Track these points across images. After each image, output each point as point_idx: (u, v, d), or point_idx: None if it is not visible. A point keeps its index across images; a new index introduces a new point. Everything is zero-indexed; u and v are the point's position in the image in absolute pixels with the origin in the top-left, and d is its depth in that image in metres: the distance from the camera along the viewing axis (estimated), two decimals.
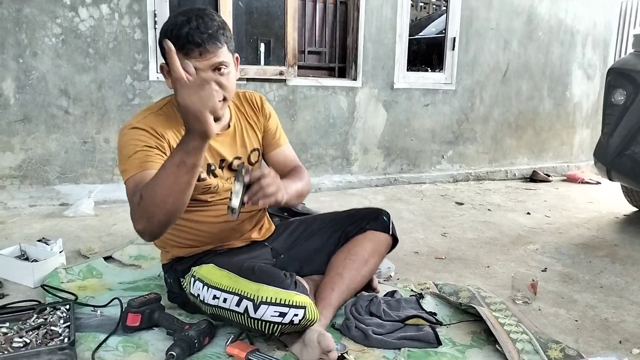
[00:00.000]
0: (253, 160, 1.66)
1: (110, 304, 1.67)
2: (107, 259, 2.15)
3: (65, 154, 3.03)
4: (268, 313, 1.31)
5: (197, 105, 1.14)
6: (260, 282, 1.35)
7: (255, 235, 1.73)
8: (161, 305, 1.56)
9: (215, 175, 1.56)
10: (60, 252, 2.05)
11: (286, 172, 1.68)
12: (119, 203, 3.13)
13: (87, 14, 2.96)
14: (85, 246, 2.30)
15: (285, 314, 1.31)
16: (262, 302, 1.32)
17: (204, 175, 1.52)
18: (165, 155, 1.39)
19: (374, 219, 1.76)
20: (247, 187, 1.31)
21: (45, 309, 1.58)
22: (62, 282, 1.86)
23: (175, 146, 1.30)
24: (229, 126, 1.59)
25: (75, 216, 2.80)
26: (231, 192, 1.30)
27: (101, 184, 3.12)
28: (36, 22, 2.85)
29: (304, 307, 1.33)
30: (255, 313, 1.32)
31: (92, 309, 1.66)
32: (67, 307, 1.59)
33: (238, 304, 1.35)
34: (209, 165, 1.54)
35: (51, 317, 1.53)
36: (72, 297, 1.72)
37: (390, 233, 1.77)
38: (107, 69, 3.05)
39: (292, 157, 1.76)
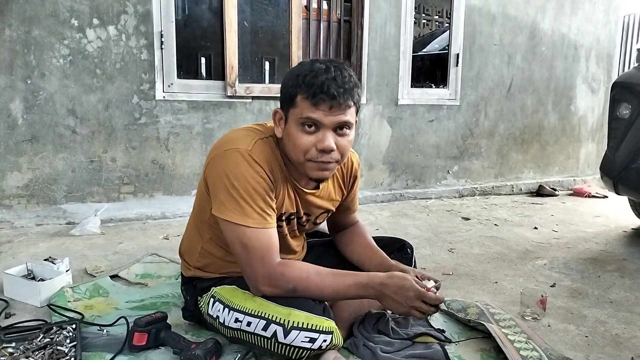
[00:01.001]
0: (319, 221, 1.64)
1: (116, 323, 1.66)
2: (114, 277, 2.14)
3: (72, 173, 3.05)
4: (299, 338, 1.29)
5: (414, 312, 1.35)
6: (290, 306, 1.32)
7: None
8: (168, 324, 1.56)
9: (289, 224, 1.55)
10: (66, 271, 2.05)
11: (343, 229, 1.76)
12: (125, 222, 3.14)
13: (94, 35, 3.00)
14: (91, 265, 2.30)
15: (316, 339, 1.30)
16: (293, 327, 1.29)
17: (282, 222, 1.50)
18: (275, 208, 1.40)
19: (398, 250, 1.74)
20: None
21: (52, 329, 1.57)
22: (68, 302, 1.86)
23: (279, 189, 1.41)
24: (319, 187, 1.54)
25: (82, 235, 2.80)
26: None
27: (107, 202, 3.13)
28: (44, 43, 2.90)
29: (331, 333, 1.32)
30: (285, 338, 1.29)
31: (98, 328, 1.65)
32: (74, 326, 1.59)
33: (265, 329, 1.31)
34: (290, 215, 1.52)
35: (57, 337, 1.52)
36: (79, 317, 1.72)
37: (413, 266, 1.73)
38: (114, 89, 3.09)
39: (355, 219, 1.79)
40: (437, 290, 1.41)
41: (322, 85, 1.28)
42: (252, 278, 1.37)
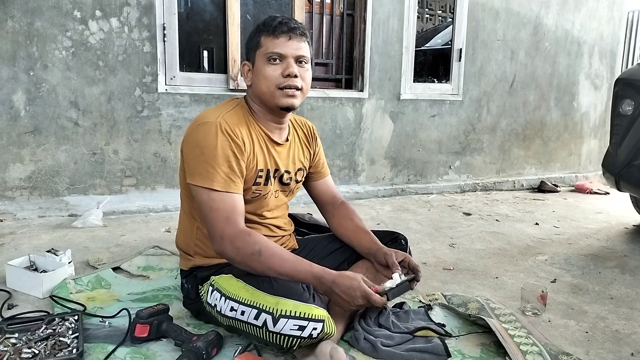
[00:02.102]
0: (298, 178, 1.75)
1: (118, 315, 1.67)
2: (116, 269, 2.15)
3: (75, 165, 3.06)
4: (287, 327, 1.30)
5: (355, 309, 1.43)
6: (279, 295, 1.34)
7: None
8: (169, 316, 1.56)
9: (269, 184, 1.63)
10: (69, 262, 2.05)
11: (328, 201, 1.83)
12: (127, 214, 3.15)
13: (97, 27, 3.00)
14: (93, 257, 2.31)
15: (305, 327, 1.31)
16: (281, 316, 1.31)
17: (260, 180, 1.59)
18: (243, 175, 1.51)
19: (392, 241, 1.77)
20: (402, 287, 1.50)
21: (54, 320, 1.58)
22: (70, 293, 1.87)
23: (249, 150, 1.52)
24: (287, 140, 1.69)
25: (84, 227, 2.81)
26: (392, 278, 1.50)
27: (110, 195, 3.14)
28: (47, 35, 2.89)
29: (322, 321, 1.33)
30: (274, 327, 1.31)
31: (100, 319, 1.66)
32: (76, 317, 1.59)
33: (256, 317, 1.33)
34: (267, 172, 1.61)
35: (60, 328, 1.53)
36: (81, 308, 1.73)
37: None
38: (116, 82, 3.09)
39: (333, 188, 1.89)
40: (416, 281, 1.56)
41: (281, 21, 1.52)
42: (217, 238, 1.44)
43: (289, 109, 1.57)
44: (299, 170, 1.74)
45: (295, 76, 1.52)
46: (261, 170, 1.59)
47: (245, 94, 1.67)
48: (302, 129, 1.79)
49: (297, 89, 1.54)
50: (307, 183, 1.85)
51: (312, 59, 1.61)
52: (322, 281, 1.40)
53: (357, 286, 1.38)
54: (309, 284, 1.40)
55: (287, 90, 1.52)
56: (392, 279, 1.50)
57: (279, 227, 1.73)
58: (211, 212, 1.44)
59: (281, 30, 1.51)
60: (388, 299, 1.47)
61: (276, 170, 1.64)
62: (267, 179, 1.62)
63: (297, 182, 1.75)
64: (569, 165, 5.05)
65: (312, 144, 1.81)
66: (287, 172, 1.69)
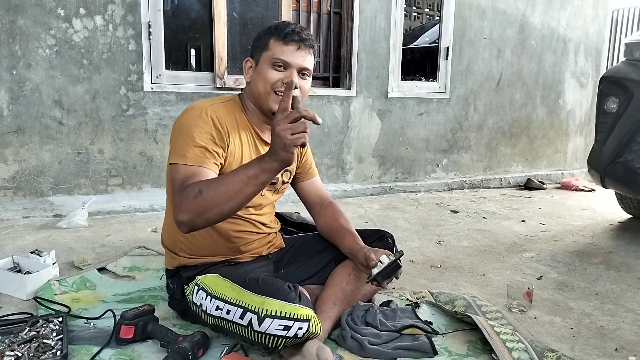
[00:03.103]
0: (285, 179, 1.74)
1: (103, 316, 1.65)
2: (101, 270, 2.13)
3: (59, 165, 3.02)
4: (272, 326, 1.30)
5: (291, 139, 1.21)
6: (264, 294, 1.34)
7: (265, 251, 1.74)
8: (155, 317, 1.55)
9: None
10: (53, 263, 2.03)
11: (316, 202, 1.82)
12: (113, 214, 3.12)
13: (81, 25, 2.96)
14: (78, 258, 2.28)
15: (290, 327, 1.30)
16: (266, 316, 1.30)
17: None
18: (220, 157, 1.47)
19: (379, 239, 1.77)
20: (391, 268, 1.51)
21: (38, 322, 1.56)
22: (55, 294, 1.85)
23: (232, 141, 1.50)
24: None
25: (69, 227, 2.78)
26: (378, 262, 1.52)
27: (95, 194, 3.11)
28: (30, 33, 2.85)
29: (308, 321, 1.32)
30: (259, 326, 1.30)
31: (85, 321, 1.64)
32: (60, 319, 1.58)
33: (242, 317, 1.33)
34: None
35: (44, 330, 1.51)
36: (65, 310, 1.71)
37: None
38: (101, 80, 3.05)
39: (321, 188, 1.87)
40: (399, 260, 1.54)
41: (293, 30, 1.52)
42: (174, 211, 1.32)
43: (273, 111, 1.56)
44: (285, 171, 1.73)
45: (295, 87, 1.46)
46: None
47: (238, 92, 1.66)
48: None
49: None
50: (295, 184, 1.84)
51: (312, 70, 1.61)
52: (264, 158, 1.28)
53: (275, 125, 1.23)
54: (262, 172, 1.28)
55: (278, 95, 1.52)
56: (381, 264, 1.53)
57: (264, 224, 1.72)
58: (172, 184, 1.38)
59: (292, 38, 1.51)
60: (379, 284, 1.50)
61: None
62: None
63: (283, 182, 1.75)
64: (555, 162, 5.09)
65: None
66: None
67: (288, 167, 1.73)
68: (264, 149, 1.62)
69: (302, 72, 1.54)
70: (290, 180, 1.79)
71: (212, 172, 1.41)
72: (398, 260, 1.53)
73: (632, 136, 2.72)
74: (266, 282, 1.40)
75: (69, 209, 2.96)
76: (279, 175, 1.70)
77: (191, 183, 1.33)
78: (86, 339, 1.53)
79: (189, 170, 1.38)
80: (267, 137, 1.62)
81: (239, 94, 1.66)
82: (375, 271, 1.51)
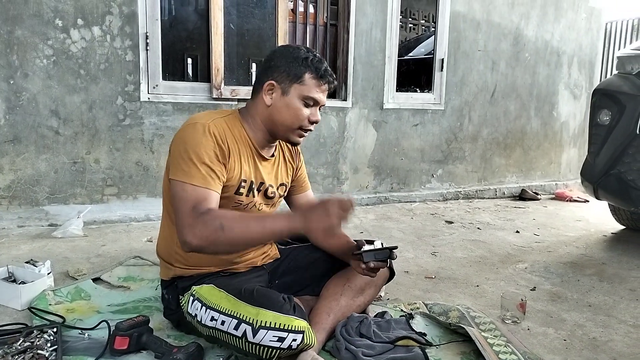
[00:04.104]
0: (280, 192, 1.75)
1: (98, 327, 1.65)
2: (96, 280, 2.13)
3: (55, 175, 3.02)
4: (267, 338, 1.31)
5: (336, 225, 1.30)
6: (259, 305, 1.35)
7: (260, 262, 1.75)
8: (149, 328, 1.55)
9: (252, 195, 1.62)
10: (48, 273, 2.03)
11: None
12: (108, 224, 3.12)
13: (78, 35, 2.98)
14: (73, 267, 2.28)
15: (284, 338, 1.31)
16: (261, 327, 1.31)
17: (243, 190, 1.58)
18: (223, 176, 1.49)
19: (370, 244, 1.77)
20: (381, 253, 1.56)
21: (32, 332, 1.56)
22: (50, 305, 1.84)
23: (233, 157, 1.51)
24: (273, 155, 1.70)
25: (64, 237, 2.78)
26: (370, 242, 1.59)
27: (91, 204, 3.11)
28: (28, 43, 2.87)
29: (302, 332, 1.33)
30: (253, 337, 1.31)
31: (79, 332, 1.64)
32: (55, 330, 1.58)
33: (236, 328, 1.34)
34: (251, 183, 1.61)
35: (38, 341, 1.51)
36: (60, 320, 1.70)
37: (388, 266, 1.77)
38: (98, 90, 3.07)
39: (314, 200, 1.87)
40: (393, 252, 1.59)
41: (326, 70, 1.56)
42: (180, 229, 1.35)
43: (295, 144, 1.66)
44: (280, 185, 1.74)
45: (317, 122, 1.60)
46: (244, 181, 1.58)
47: (236, 106, 1.68)
48: (287, 145, 1.79)
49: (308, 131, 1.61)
50: (288, 197, 1.85)
51: None
52: (294, 215, 1.37)
53: (325, 198, 1.33)
54: (285, 229, 1.34)
55: (304, 132, 1.59)
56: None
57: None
58: (180, 203, 1.38)
59: (327, 79, 1.56)
60: (363, 261, 1.54)
61: (261, 183, 1.64)
62: (250, 190, 1.61)
63: (280, 196, 1.77)
64: (549, 173, 5.13)
65: (295, 159, 1.82)
66: (271, 185, 1.70)
67: (284, 182, 1.76)
68: (262, 165, 1.64)
69: (320, 107, 1.61)
70: (285, 194, 1.80)
71: (217, 195, 1.45)
72: (391, 251, 1.57)
73: (624, 148, 2.75)
74: (261, 293, 1.41)
75: (65, 219, 2.96)
76: (275, 190, 1.71)
77: (210, 212, 1.35)
78: (81, 349, 1.53)
79: (198, 193, 1.39)
80: (265, 154, 1.65)
81: (240, 109, 1.65)
82: (365, 248, 1.55)
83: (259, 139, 1.62)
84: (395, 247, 1.60)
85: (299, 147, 1.84)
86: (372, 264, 1.56)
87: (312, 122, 1.58)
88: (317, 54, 1.59)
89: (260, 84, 1.58)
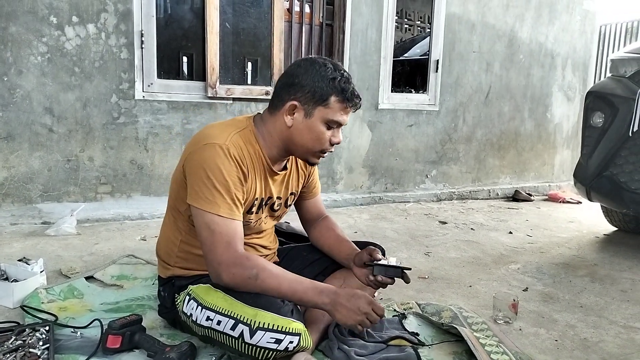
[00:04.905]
0: (289, 202, 1.73)
1: (90, 325, 1.65)
2: (89, 279, 2.12)
3: (49, 172, 3.01)
4: (264, 339, 1.30)
5: (362, 320, 1.37)
6: (257, 306, 1.34)
7: None
8: (142, 327, 1.55)
9: (260, 212, 1.62)
10: (41, 272, 2.02)
11: (314, 218, 1.83)
12: (101, 222, 3.11)
13: (73, 33, 2.97)
14: (66, 266, 2.27)
15: (281, 340, 1.31)
16: (258, 328, 1.30)
17: (254, 209, 1.57)
18: (243, 201, 1.49)
19: None
20: (393, 270, 1.57)
21: (24, 331, 1.55)
22: (42, 303, 1.84)
23: (251, 178, 1.50)
24: (285, 168, 1.67)
25: (57, 235, 2.77)
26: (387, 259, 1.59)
27: (84, 202, 3.10)
28: (22, 40, 2.86)
29: (299, 334, 1.33)
30: (250, 338, 1.31)
31: (72, 330, 1.64)
32: (47, 328, 1.57)
33: (233, 328, 1.33)
34: (261, 200, 1.59)
35: (30, 339, 1.50)
36: (52, 318, 1.70)
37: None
38: (92, 88, 3.06)
39: (321, 206, 1.87)
40: (405, 273, 1.58)
41: (352, 92, 1.49)
42: (215, 263, 1.40)
43: (312, 164, 1.64)
44: (290, 194, 1.72)
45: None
46: (256, 199, 1.57)
47: (254, 114, 1.62)
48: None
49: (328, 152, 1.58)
50: (297, 201, 1.82)
51: None
52: (324, 293, 1.40)
53: (361, 294, 1.39)
54: (310, 301, 1.40)
55: (323, 154, 1.56)
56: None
57: (264, 247, 1.72)
58: (212, 236, 1.40)
59: (354, 103, 1.51)
60: (372, 273, 1.55)
61: (269, 198, 1.63)
62: (260, 207, 1.60)
63: (286, 206, 1.74)
64: (542, 174, 5.15)
65: (307, 167, 1.78)
66: (279, 198, 1.67)
67: (294, 191, 1.74)
68: (272, 181, 1.61)
69: (340, 126, 1.55)
70: (292, 203, 1.78)
71: (241, 224, 1.46)
72: (404, 270, 1.57)
73: (617, 151, 2.77)
74: (259, 294, 1.40)
75: (58, 217, 2.95)
76: (282, 202, 1.70)
77: (249, 258, 1.41)
78: (73, 348, 1.52)
79: (229, 227, 1.41)
80: (277, 168, 1.62)
81: (255, 119, 1.58)
82: (382, 262, 1.55)
83: (273, 155, 1.58)
84: (409, 269, 1.58)
85: None
86: (380, 278, 1.57)
87: (332, 144, 1.54)
88: (345, 72, 1.51)
89: (281, 101, 1.51)
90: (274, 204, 1.65)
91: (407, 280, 1.59)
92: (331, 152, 1.58)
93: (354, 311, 1.36)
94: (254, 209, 1.57)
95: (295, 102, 1.48)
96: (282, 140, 1.54)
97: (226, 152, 1.42)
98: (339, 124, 1.51)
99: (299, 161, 1.72)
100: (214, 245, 1.40)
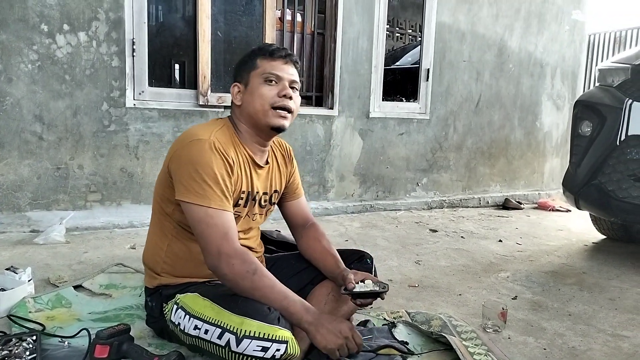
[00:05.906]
0: (273, 200, 1.77)
1: (78, 335, 1.63)
2: (77, 288, 2.11)
3: (38, 180, 3.00)
4: (250, 347, 1.30)
5: (333, 346, 1.38)
6: (243, 315, 1.34)
7: None
8: (130, 337, 1.54)
9: (249, 206, 1.65)
10: (28, 280, 2.00)
11: (300, 223, 1.84)
12: (91, 230, 3.09)
13: (64, 41, 2.97)
14: (54, 275, 2.26)
15: (268, 348, 1.30)
16: (244, 336, 1.30)
17: (241, 202, 1.60)
18: (232, 193, 1.53)
19: (358, 260, 1.79)
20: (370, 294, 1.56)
21: (11, 340, 1.54)
22: (30, 312, 1.82)
23: (236, 171, 1.54)
24: (267, 162, 1.71)
25: (46, 243, 2.75)
26: (363, 283, 1.57)
27: (73, 210, 3.08)
28: (12, 48, 2.85)
29: (286, 342, 1.32)
30: (237, 347, 1.30)
31: (59, 340, 1.62)
32: (34, 338, 1.56)
33: (220, 337, 1.33)
34: (248, 194, 1.62)
35: (16, 349, 1.49)
36: (40, 328, 1.69)
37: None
38: (83, 96, 3.05)
39: (306, 209, 1.90)
40: (383, 293, 1.57)
41: (278, 47, 1.61)
42: (214, 253, 1.42)
43: (280, 129, 1.61)
44: (274, 192, 1.76)
45: (290, 98, 1.58)
46: (243, 192, 1.60)
47: (224, 114, 1.69)
48: (279, 151, 1.81)
49: (289, 111, 1.59)
50: (281, 203, 1.86)
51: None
52: (310, 312, 1.42)
53: (343, 320, 1.43)
54: (295, 314, 1.41)
55: (279, 110, 1.56)
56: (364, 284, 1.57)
57: (250, 248, 1.72)
58: (208, 229, 1.44)
59: (279, 54, 1.57)
60: (352, 298, 1.56)
61: (256, 192, 1.66)
62: (247, 201, 1.63)
63: (271, 204, 1.77)
64: (532, 183, 5.19)
65: (288, 166, 1.83)
66: (265, 193, 1.71)
67: (277, 188, 1.77)
68: (256, 173, 1.65)
69: (292, 85, 1.59)
70: (276, 201, 1.81)
71: (233, 216, 1.50)
72: (381, 292, 1.57)
73: (605, 159, 2.79)
74: (246, 302, 1.40)
75: (47, 225, 2.93)
76: (268, 198, 1.73)
77: (250, 253, 1.45)
78: (60, 358, 1.51)
79: (223, 218, 1.45)
80: (258, 160, 1.66)
81: (229, 117, 1.67)
82: (357, 289, 1.55)
83: (251, 144, 1.63)
84: (385, 290, 1.59)
85: (292, 153, 1.86)
86: (358, 302, 1.60)
87: (282, 97, 1.57)
88: (274, 44, 1.63)
89: (231, 93, 1.65)
90: (260, 199, 1.69)
91: (382, 298, 1.61)
92: (288, 108, 1.57)
93: (335, 334, 1.39)
94: (242, 202, 1.61)
95: (235, 83, 1.62)
96: (245, 121, 1.61)
97: (212, 145, 1.48)
98: (278, 77, 1.56)
99: (279, 159, 1.79)
100: (212, 236, 1.43)
